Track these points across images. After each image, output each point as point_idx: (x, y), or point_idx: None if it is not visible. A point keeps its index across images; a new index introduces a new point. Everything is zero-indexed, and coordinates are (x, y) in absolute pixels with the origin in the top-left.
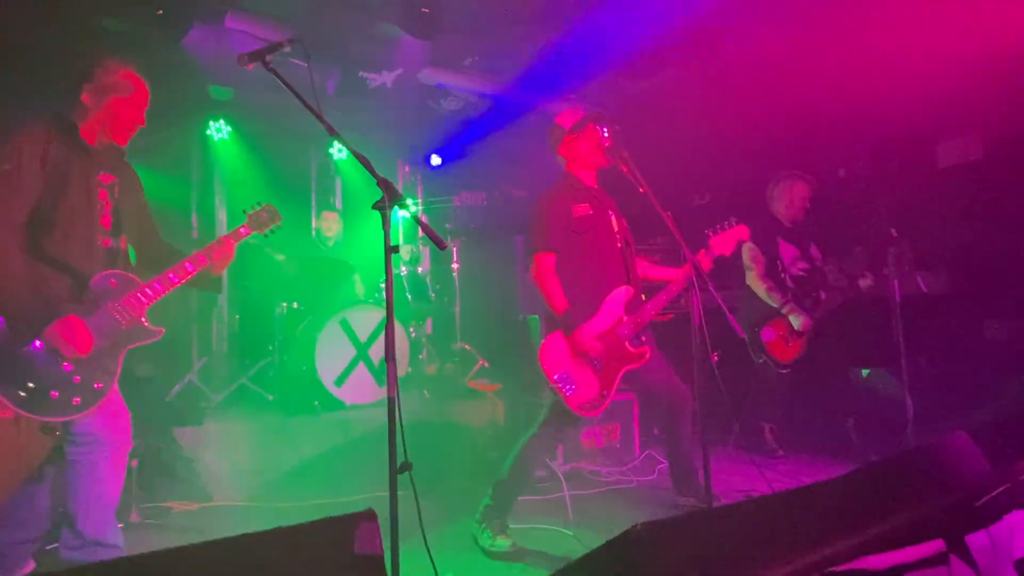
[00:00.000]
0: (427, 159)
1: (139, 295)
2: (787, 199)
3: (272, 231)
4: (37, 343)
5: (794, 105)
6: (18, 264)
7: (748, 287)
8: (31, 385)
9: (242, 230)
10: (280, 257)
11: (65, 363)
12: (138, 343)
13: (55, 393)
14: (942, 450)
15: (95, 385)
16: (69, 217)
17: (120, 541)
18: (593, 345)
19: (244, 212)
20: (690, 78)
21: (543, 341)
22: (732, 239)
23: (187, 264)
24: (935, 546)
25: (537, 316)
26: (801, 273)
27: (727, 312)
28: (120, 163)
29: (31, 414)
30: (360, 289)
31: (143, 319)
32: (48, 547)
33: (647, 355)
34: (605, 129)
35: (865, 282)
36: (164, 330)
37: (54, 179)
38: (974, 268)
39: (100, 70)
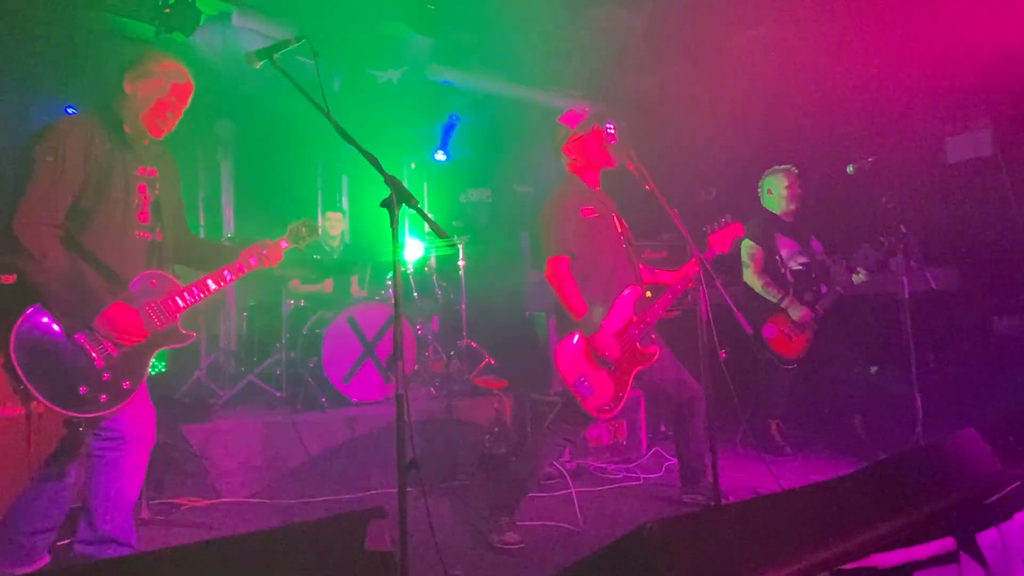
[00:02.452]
0: (433, 156)
1: (177, 298)
2: (776, 194)
3: (309, 245)
4: (77, 337)
5: (802, 100)
6: (59, 257)
7: (747, 284)
8: (61, 380)
9: (283, 243)
10: (294, 283)
11: (97, 360)
12: (169, 346)
13: (84, 389)
14: (952, 447)
15: (124, 384)
16: (107, 211)
17: (134, 540)
18: (613, 346)
19: (286, 226)
20: (696, 74)
21: (559, 344)
22: (729, 237)
23: (225, 272)
24: (945, 544)
25: (543, 313)
26: (800, 267)
27: (734, 308)
28: (161, 156)
29: (59, 408)
30: (356, 290)
31: (178, 322)
32: (60, 542)
33: (657, 354)
34: (611, 126)
35: (857, 277)
36: (195, 335)
37: (95, 172)
38: (984, 264)
39: (145, 60)
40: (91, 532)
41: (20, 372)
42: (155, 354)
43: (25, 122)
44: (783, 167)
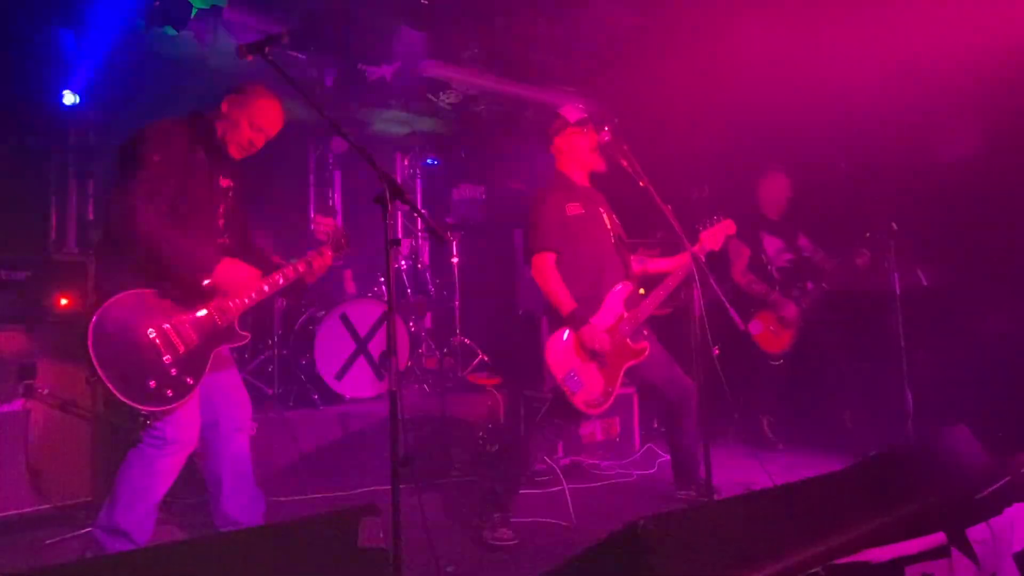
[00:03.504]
0: (426, 153)
1: (242, 298)
2: (768, 192)
3: (343, 251)
4: (148, 331)
5: (795, 98)
6: (170, 234)
7: (733, 281)
8: (133, 373)
9: (327, 251)
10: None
11: (165, 355)
12: (226, 345)
13: (153, 383)
14: (942, 443)
15: (187, 380)
16: (195, 212)
17: (145, 540)
18: (603, 340)
19: (326, 234)
20: (690, 72)
21: (548, 339)
22: (720, 234)
23: (279, 279)
24: (936, 539)
25: (537, 309)
26: (786, 264)
27: (727, 304)
28: (237, 169)
29: (130, 401)
30: (349, 287)
31: (236, 322)
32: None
33: (647, 350)
34: (607, 129)
35: (862, 260)
36: (250, 335)
37: (187, 175)
38: (974, 261)
39: (246, 87)
40: (108, 519)
41: (96, 362)
42: (213, 352)
43: (11, 117)
44: (778, 170)
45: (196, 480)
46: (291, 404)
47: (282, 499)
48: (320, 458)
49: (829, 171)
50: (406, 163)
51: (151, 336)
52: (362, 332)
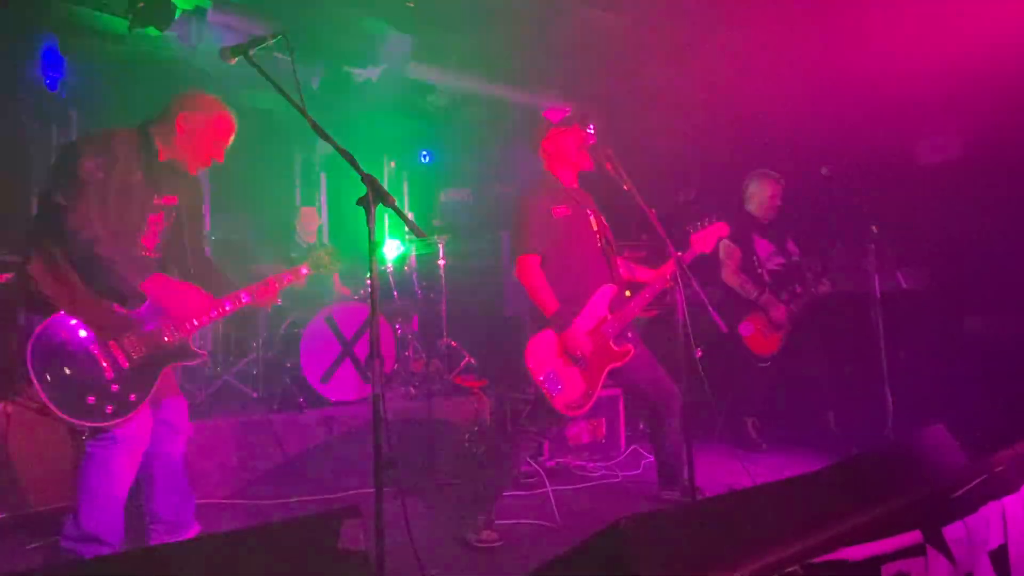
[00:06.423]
0: (412, 155)
1: (194, 319)
2: (759, 197)
3: (330, 271)
4: (90, 346)
5: (778, 103)
6: (108, 236)
7: (724, 282)
8: (71, 388)
9: (302, 270)
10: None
11: (107, 371)
12: (180, 363)
13: (92, 399)
14: (920, 443)
15: (130, 397)
16: (124, 230)
17: (118, 540)
18: (584, 343)
19: (309, 251)
20: (675, 75)
21: (529, 340)
22: (712, 236)
23: (242, 295)
24: (912, 537)
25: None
26: (777, 268)
27: (710, 307)
28: (186, 184)
29: (65, 416)
30: (339, 288)
31: (190, 340)
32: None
33: (631, 353)
34: (591, 127)
35: (823, 288)
36: (207, 354)
37: (125, 195)
38: (954, 264)
39: (202, 103)
40: (76, 529)
41: (33, 376)
42: (163, 370)
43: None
44: (772, 174)
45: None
46: (276, 407)
47: (266, 503)
48: (304, 462)
49: (811, 174)
50: (392, 166)
51: (92, 351)
52: (348, 335)
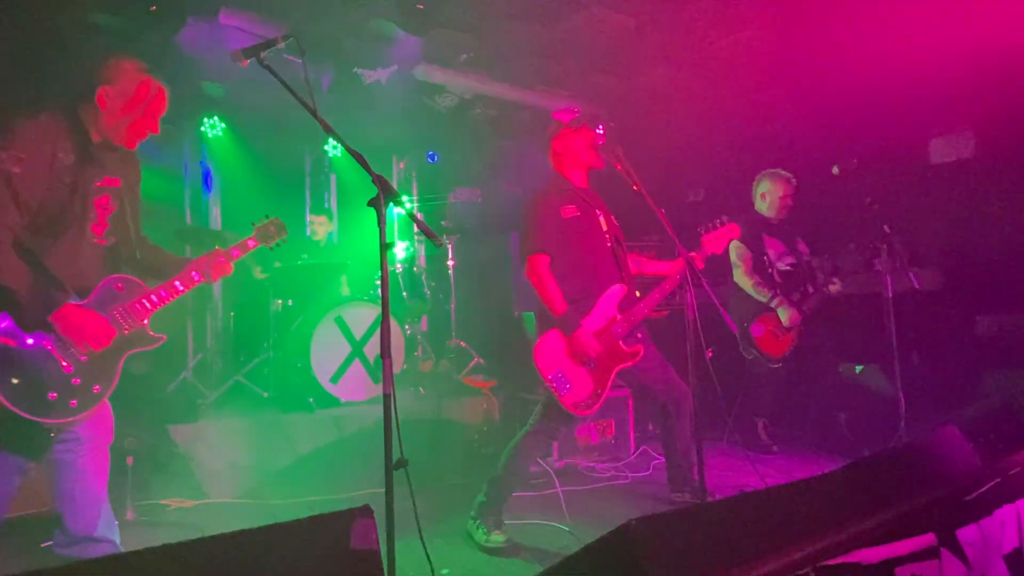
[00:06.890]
0: (422, 156)
1: (144, 301)
2: (771, 197)
3: (278, 244)
4: (43, 343)
5: (788, 102)
6: (14, 263)
7: (736, 284)
8: (28, 386)
9: (249, 243)
10: (259, 275)
11: (66, 366)
12: (139, 349)
13: (53, 395)
14: (933, 445)
15: (94, 388)
16: (66, 220)
17: (113, 535)
18: (592, 344)
19: (252, 224)
20: (684, 75)
21: (538, 340)
22: (724, 238)
23: (194, 274)
24: (926, 540)
25: (532, 312)
26: (788, 268)
27: (720, 308)
28: (125, 164)
29: (27, 415)
30: (346, 291)
31: (146, 325)
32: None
33: (640, 353)
34: (600, 127)
35: (834, 287)
36: (166, 337)
37: (57, 183)
38: (966, 264)
39: (120, 74)
40: (65, 536)
41: None
42: (126, 358)
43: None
44: (784, 174)
45: (188, 483)
46: (286, 407)
47: (277, 502)
48: (315, 462)
49: (822, 173)
50: (401, 166)
51: (46, 347)
52: (358, 335)
